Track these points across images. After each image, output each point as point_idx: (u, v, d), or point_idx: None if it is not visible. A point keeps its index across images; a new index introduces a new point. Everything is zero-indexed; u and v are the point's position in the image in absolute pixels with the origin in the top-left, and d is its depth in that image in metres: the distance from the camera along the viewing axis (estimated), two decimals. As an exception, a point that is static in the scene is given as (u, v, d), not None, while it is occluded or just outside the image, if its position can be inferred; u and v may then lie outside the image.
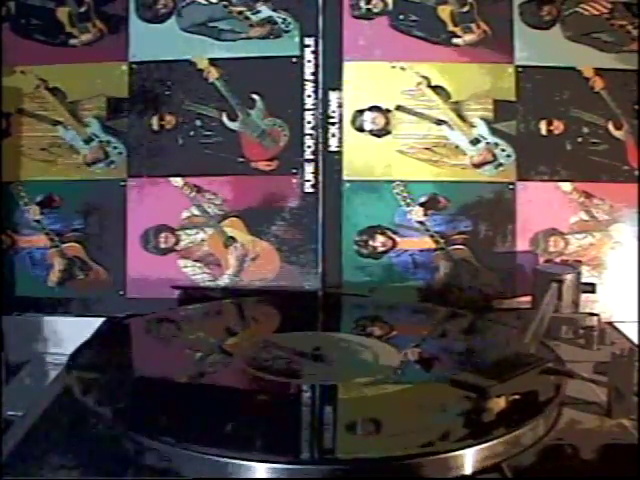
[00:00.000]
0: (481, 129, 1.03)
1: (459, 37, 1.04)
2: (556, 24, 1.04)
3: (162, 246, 1.04)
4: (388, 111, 1.04)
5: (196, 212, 1.05)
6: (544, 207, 1.03)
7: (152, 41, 1.05)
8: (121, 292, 1.04)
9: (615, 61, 1.03)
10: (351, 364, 0.78)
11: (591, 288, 0.94)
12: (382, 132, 1.04)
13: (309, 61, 1.04)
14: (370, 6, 1.04)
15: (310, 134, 1.04)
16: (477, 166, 1.04)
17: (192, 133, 1.04)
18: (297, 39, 1.04)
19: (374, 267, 1.04)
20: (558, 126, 1.03)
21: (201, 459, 0.56)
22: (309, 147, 1.04)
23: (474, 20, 1.03)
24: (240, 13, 1.04)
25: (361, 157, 1.04)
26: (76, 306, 1.04)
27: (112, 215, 1.04)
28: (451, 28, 1.04)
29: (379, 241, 1.04)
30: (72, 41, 1.05)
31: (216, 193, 1.04)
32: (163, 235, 1.04)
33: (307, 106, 1.04)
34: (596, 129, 1.03)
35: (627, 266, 1.02)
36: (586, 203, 1.03)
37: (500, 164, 1.04)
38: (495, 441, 0.59)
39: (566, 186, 1.03)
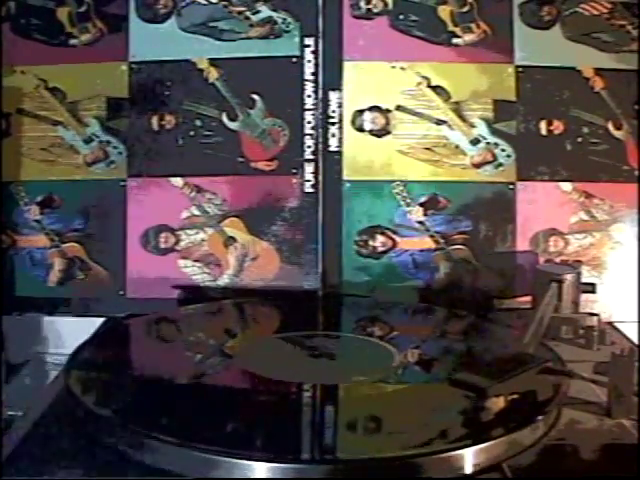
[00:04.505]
0: (481, 129, 1.03)
1: (459, 37, 1.04)
2: (556, 24, 1.04)
3: (162, 246, 1.04)
4: (388, 111, 1.04)
5: (196, 212, 1.05)
6: (544, 207, 1.03)
7: (152, 41, 1.05)
8: (121, 292, 1.04)
9: (615, 61, 1.03)
10: (351, 364, 0.78)
11: (591, 288, 0.94)
12: (382, 132, 1.04)
13: (309, 61, 1.04)
14: (370, 6, 1.04)
15: (310, 134, 1.04)
16: (477, 166, 1.04)
17: (192, 133, 1.04)
18: (297, 39, 1.04)
19: (374, 267, 1.04)
20: (558, 126, 1.03)
21: (201, 459, 0.56)
22: (309, 147, 1.04)
23: (474, 20, 1.03)
24: (240, 13, 1.04)
25: (361, 157, 1.04)
26: (76, 306, 1.04)
27: (112, 215, 1.04)
28: (451, 28, 1.04)
29: (379, 241, 1.04)
30: (72, 41, 1.05)
31: (216, 193, 1.04)
32: (163, 235, 1.04)
33: (307, 106, 1.04)
34: (596, 129, 1.03)
35: (627, 266, 1.02)
36: (586, 203, 1.03)
37: (500, 164, 1.04)
38: (495, 441, 0.59)
39: (566, 186, 1.03)
